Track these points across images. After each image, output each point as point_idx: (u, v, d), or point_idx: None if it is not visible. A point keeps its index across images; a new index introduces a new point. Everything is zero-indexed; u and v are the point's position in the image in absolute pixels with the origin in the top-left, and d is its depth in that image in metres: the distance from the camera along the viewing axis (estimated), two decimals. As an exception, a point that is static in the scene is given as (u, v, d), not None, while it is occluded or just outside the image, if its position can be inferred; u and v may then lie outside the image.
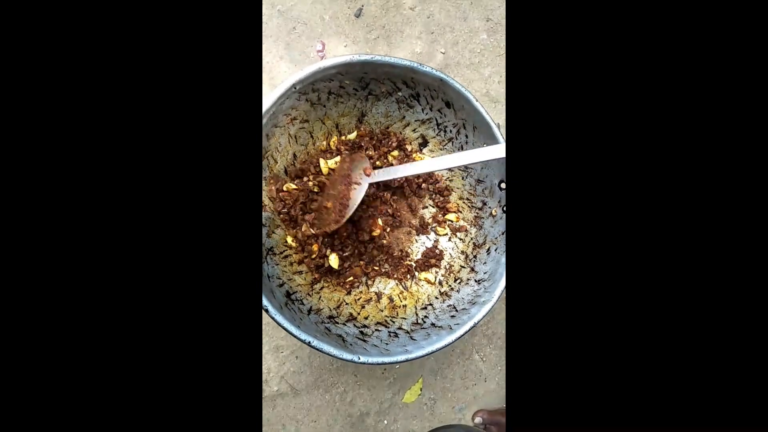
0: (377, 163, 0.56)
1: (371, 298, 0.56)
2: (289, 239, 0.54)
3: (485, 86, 0.69)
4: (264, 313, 0.60)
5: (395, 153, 0.56)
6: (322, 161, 0.54)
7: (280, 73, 0.66)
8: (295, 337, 0.44)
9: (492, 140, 0.50)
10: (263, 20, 0.66)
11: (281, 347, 0.67)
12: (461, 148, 0.55)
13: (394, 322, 0.54)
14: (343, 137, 0.56)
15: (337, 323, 0.52)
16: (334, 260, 0.53)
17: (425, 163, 0.48)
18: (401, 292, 0.56)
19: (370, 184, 0.50)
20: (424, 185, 0.57)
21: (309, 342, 0.44)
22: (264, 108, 0.45)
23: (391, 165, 0.56)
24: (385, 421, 0.69)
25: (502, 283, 0.48)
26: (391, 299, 0.56)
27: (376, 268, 0.55)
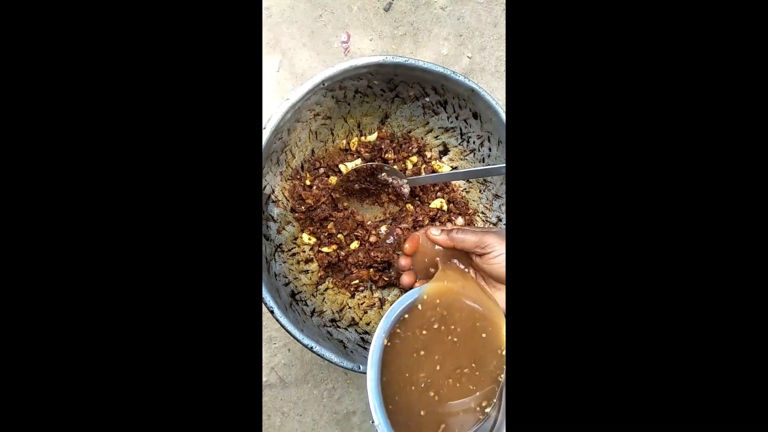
0: (395, 167, 0.54)
1: (374, 304, 0.55)
2: (306, 236, 0.52)
3: (508, 96, 0.68)
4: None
5: (414, 159, 0.55)
6: (342, 166, 0.53)
7: (301, 60, 0.64)
8: (298, 341, 0.43)
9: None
10: (290, 5, 0.64)
11: (274, 338, 0.66)
12: (483, 161, 0.54)
13: (396, 330, 0.53)
14: (363, 137, 0.54)
15: (339, 327, 0.51)
16: (354, 245, 0.54)
17: (475, 170, 0.49)
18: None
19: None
20: (440, 194, 0.56)
21: (311, 347, 0.43)
22: (290, 102, 0.43)
23: (406, 170, 0.55)
24: (371, 421, 0.69)
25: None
26: (393, 306, 0.55)
27: (386, 278, 0.54)
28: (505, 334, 0.39)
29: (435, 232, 0.44)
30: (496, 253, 0.41)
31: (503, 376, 0.38)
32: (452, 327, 0.39)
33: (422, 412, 0.37)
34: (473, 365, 0.38)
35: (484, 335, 0.39)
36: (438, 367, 0.38)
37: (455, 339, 0.39)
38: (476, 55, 0.67)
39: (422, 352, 0.38)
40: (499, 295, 0.42)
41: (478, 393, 0.38)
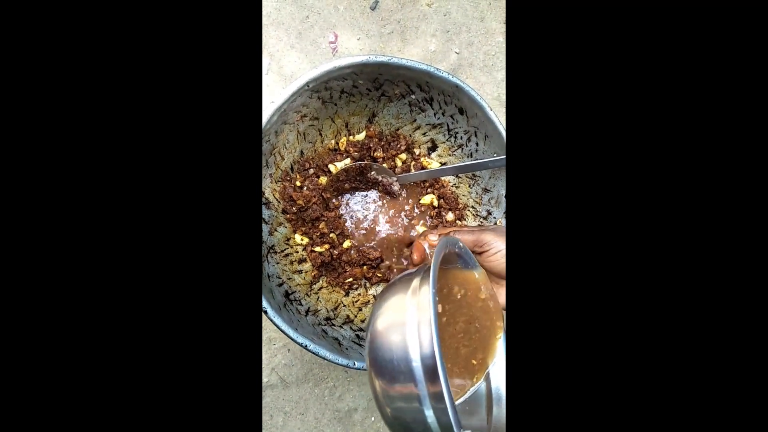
0: (384, 165, 0.55)
1: (369, 301, 0.55)
2: (298, 236, 0.53)
3: (497, 90, 0.68)
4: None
5: (403, 156, 0.55)
6: (331, 166, 0.53)
7: (289, 62, 0.64)
8: (292, 340, 0.44)
9: (503, 151, 0.49)
10: (276, 7, 0.64)
11: (273, 339, 0.66)
12: (470, 156, 0.54)
13: (390, 326, 0.53)
14: (351, 137, 0.55)
15: (334, 325, 0.51)
16: (347, 244, 0.54)
17: (463, 165, 0.49)
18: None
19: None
20: (430, 189, 0.56)
21: (306, 345, 0.44)
22: (276, 105, 0.44)
23: (396, 167, 0.56)
24: (372, 418, 0.70)
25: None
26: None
27: (379, 275, 0.55)
28: (503, 338, 0.39)
29: (433, 237, 0.45)
30: (495, 250, 0.41)
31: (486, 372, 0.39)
32: (469, 311, 0.40)
33: None
34: (472, 356, 0.39)
35: (485, 328, 0.40)
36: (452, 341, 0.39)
37: (467, 323, 0.39)
38: (464, 51, 0.68)
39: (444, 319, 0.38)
40: (501, 291, 0.43)
41: (468, 378, 0.38)
